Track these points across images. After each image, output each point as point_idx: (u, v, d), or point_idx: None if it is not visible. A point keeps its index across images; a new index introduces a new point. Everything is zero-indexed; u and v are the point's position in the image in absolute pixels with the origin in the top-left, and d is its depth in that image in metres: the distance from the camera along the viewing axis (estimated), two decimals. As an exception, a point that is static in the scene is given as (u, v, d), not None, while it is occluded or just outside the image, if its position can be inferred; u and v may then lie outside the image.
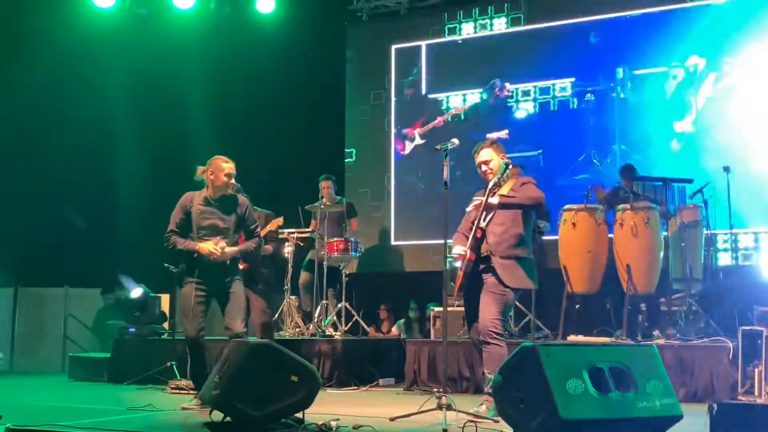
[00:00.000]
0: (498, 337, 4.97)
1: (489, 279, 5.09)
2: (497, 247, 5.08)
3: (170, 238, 5.67)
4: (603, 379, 3.87)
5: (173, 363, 7.22)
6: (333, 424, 4.34)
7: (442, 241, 5.35)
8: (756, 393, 5.83)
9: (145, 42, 10.33)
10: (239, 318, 5.59)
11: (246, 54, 10.35)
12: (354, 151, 10.62)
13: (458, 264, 5.24)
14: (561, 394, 3.73)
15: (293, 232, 8.03)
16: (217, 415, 4.51)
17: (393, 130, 10.40)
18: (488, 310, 5.03)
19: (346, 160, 10.56)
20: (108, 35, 10.26)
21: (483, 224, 5.08)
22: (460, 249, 5.17)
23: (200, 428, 4.55)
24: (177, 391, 6.55)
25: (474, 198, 5.26)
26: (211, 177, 5.70)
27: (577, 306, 7.10)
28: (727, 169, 7.22)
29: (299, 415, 4.49)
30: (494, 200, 5.05)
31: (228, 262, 5.63)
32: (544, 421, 3.77)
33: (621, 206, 6.92)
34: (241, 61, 10.33)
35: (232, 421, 4.46)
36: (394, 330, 9.44)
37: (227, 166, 5.72)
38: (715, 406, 2.82)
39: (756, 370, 5.87)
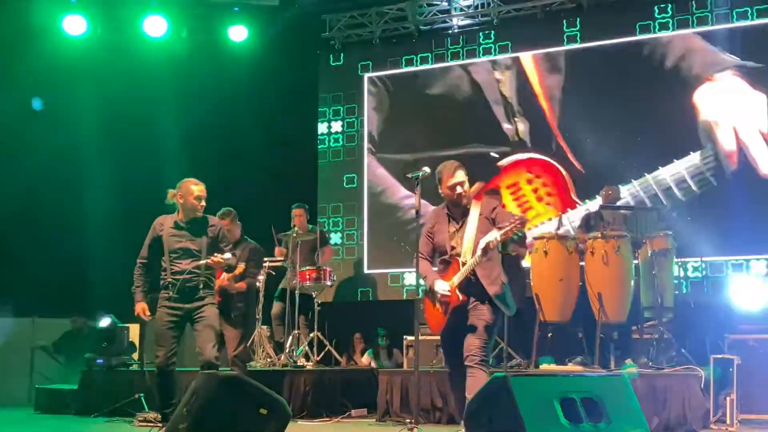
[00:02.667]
0: (485, 364, 4.90)
1: (482, 307, 4.98)
2: (487, 279, 4.97)
3: (137, 268, 5.77)
4: (575, 409, 3.86)
5: (141, 395, 7.10)
6: (303, 457, 4.27)
7: (414, 270, 5.32)
8: (728, 422, 5.85)
9: (116, 69, 10.28)
10: (210, 343, 5.51)
11: (218, 82, 10.33)
12: (327, 180, 10.62)
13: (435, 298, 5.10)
14: (532, 425, 3.70)
15: (265, 261, 7.96)
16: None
17: (366, 157, 10.41)
18: (480, 338, 4.90)
19: (319, 190, 10.55)
20: (79, 62, 10.21)
21: (473, 260, 4.91)
22: (445, 287, 5.00)
23: (168, 463, 4.45)
24: (145, 423, 6.44)
25: (432, 222, 5.13)
26: (181, 201, 5.69)
27: (549, 335, 7.09)
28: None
29: (269, 448, 4.42)
30: (494, 237, 4.83)
31: (201, 285, 5.60)
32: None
33: (592, 234, 6.94)
34: (213, 89, 10.31)
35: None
36: (365, 359, 9.38)
37: (197, 188, 5.71)
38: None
39: (728, 399, 5.91)
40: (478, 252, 4.85)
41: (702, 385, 6.00)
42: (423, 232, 5.29)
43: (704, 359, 6.17)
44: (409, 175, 5.18)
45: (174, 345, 5.56)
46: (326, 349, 8.01)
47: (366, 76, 10.59)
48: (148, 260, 5.74)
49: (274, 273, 8.28)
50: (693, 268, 8.30)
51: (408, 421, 5.67)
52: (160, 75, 10.22)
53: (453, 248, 5.09)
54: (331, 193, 10.56)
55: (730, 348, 6.20)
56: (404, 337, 7.77)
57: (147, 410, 6.84)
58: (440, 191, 5.15)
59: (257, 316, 7.95)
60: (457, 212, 5.12)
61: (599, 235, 6.85)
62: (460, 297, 4.97)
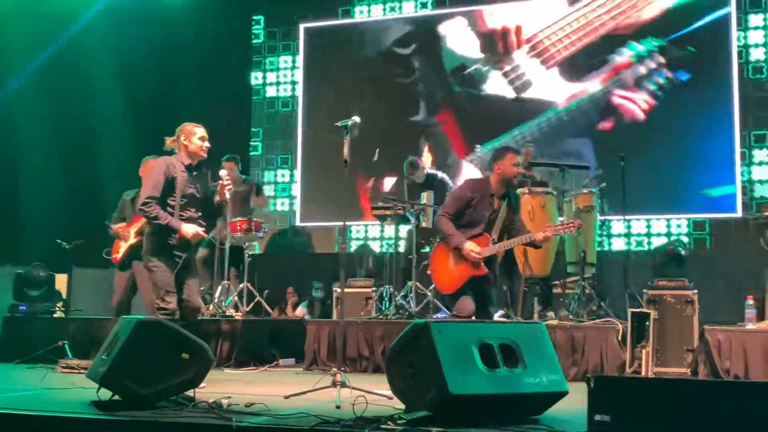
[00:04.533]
0: None
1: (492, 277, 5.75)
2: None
3: (152, 205, 5.31)
4: (492, 355, 3.94)
5: (65, 342, 7.01)
6: (224, 402, 4.27)
7: (346, 223, 5.36)
8: (643, 372, 6.06)
9: (47, 17, 9.98)
10: (198, 293, 5.57)
11: (153, 37, 10.12)
12: (261, 131, 10.51)
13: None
14: (450, 369, 3.77)
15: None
16: (106, 393, 4.39)
17: (301, 111, 10.34)
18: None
19: (251, 141, 10.45)
20: (9, 9, 9.86)
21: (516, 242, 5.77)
22: (478, 250, 5.60)
23: (87, 407, 4.42)
24: (68, 370, 6.36)
25: (475, 194, 5.71)
26: (185, 143, 5.50)
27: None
28: (622, 157, 7.47)
29: (190, 393, 4.41)
30: (549, 232, 5.69)
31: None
32: (435, 396, 3.80)
33: (518, 191, 7.05)
34: (149, 45, 10.10)
35: (120, 399, 4.35)
36: (299, 311, 9.41)
37: (199, 130, 5.56)
38: (592, 379, 2.89)
39: (643, 351, 6.11)
40: (537, 238, 5.61)
41: (619, 338, 6.20)
42: (458, 196, 5.83)
43: (624, 313, 6.35)
44: (338, 124, 5.16)
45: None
46: (256, 300, 8.01)
47: (302, 26, 10.49)
48: (159, 199, 5.35)
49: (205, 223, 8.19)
50: (616, 226, 8.54)
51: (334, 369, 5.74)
52: (92, 27, 9.97)
53: (488, 225, 5.66)
54: (267, 144, 10.48)
55: (648, 303, 6.41)
56: (334, 288, 7.82)
57: (70, 357, 6.76)
58: (497, 168, 5.71)
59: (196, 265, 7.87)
60: (501, 193, 5.72)
61: (526, 191, 6.97)
62: (485, 269, 5.61)
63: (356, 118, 5.17)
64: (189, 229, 5.36)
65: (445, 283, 5.77)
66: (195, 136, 5.52)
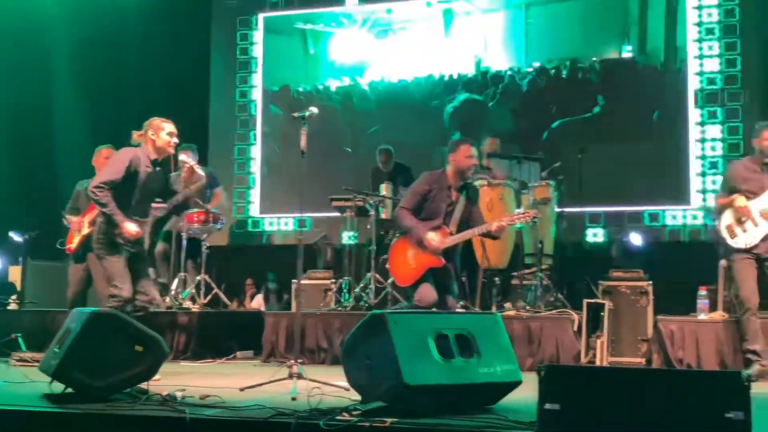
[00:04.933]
0: None
1: (452, 267, 5.74)
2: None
3: (105, 191, 5.17)
4: (448, 345, 3.96)
5: (18, 335, 6.90)
6: (178, 394, 4.24)
7: (303, 215, 5.34)
8: (598, 362, 6.15)
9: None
10: (154, 287, 5.53)
11: (108, 25, 9.98)
12: (220, 121, 10.44)
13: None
14: (406, 360, 3.78)
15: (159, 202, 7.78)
16: (58, 386, 4.33)
17: (260, 100, 10.28)
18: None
19: (210, 131, 10.37)
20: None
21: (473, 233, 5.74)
22: (438, 240, 5.60)
23: (39, 400, 4.35)
24: (21, 363, 6.26)
25: (432, 187, 5.71)
26: (153, 138, 5.39)
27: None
28: (582, 149, 7.56)
29: (144, 385, 4.37)
30: (505, 221, 5.71)
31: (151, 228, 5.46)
32: (390, 387, 3.81)
33: (478, 182, 7.07)
34: (103, 34, 9.96)
35: (73, 392, 4.30)
36: (255, 303, 9.37)
37: (168, 125, 5.45)
38: (543, 369, 2.92)
39: (598, 341, 6.20)
40: (491, 229, 5.61)
41: (575, 328, 6.27)
42: (415, 190, 5.82)
43: (580, 304, 6.43)
44: (296, 115, 5.13)
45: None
46: (213, 292, 7.95)
47: (261, 15, 10.43)
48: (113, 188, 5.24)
49: (160, 214, 8.11)
50: (573, 218, 8.63)
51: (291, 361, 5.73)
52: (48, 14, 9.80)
53: (446, 217, 5.67)
54: (224, 135, 10.40)
55: (604, 293, 6.50)
56: (292, 281, 7.79)
57: (24, 350, 6.66)
58: (452, 159, 5.72)
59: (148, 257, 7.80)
60: (458, 185, 5.73)
61: (485, 183, 7.01)
62: (443, 261, 5.60)
63: (314, 109, 5.15)
64: (130, 228, 5.24)
65: (403, 275, 5.77)
66: (163, 132, 5.42)
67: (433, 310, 5.45)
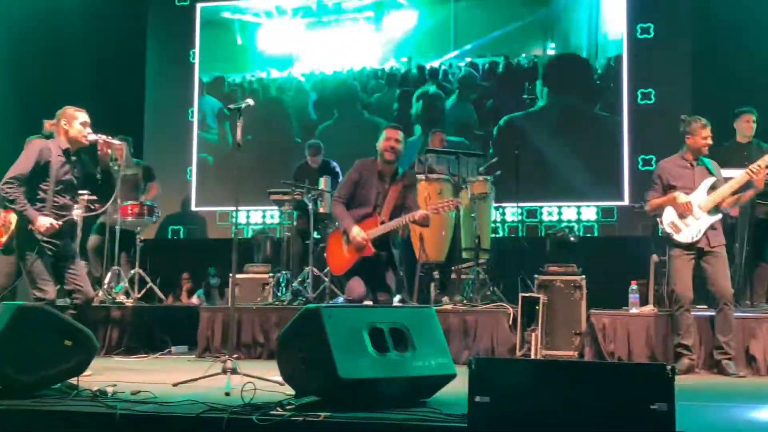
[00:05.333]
0: None
1: (388, 265, 5.84)
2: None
3: (14, 186, 5.06)
4: (383, 339, 3.97)
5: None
6: (109, 390, 4.16)
7: (240, 208, 5.28)
8: (532, 355, 6.23)
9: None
10: (88, 281, 5.42)
11: (40, 11, 9.71)
12: (155, 113, 10.26)
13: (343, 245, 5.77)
14: (340, 354, 3.77)
15: (83, 194, 7.60)
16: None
17: (195, 91, 10.14)
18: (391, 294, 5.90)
19: (146, 122, 10.19)
20: None
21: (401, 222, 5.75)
22: (363, 235, 5.64)
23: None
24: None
25: (361, 175, 5.78)
26: (66, 128, 5.25)
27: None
28: (517, 146, 7.66)
29: (74, 381, 4.28)
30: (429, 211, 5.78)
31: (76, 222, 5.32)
32: (324, 381, 3.80)
33: (418, 177, 7.09)
34: (35, 21, 9.70)
35: (0, 387, 4.18)
36: (195, 299, 9.24)
37: (81, 114, 5.30)
38: (473, 362, 2.95)
39: (533, 334, 6.28)
40: (415, 216, 5.65)
41: (511, 322, 6.35)
42: (346, 179, 5.91)
43: (516, 298, 6.49)
44: (231, 107, 5.08)
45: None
46: (148, 286, 7.82)
47: (198, 5, 10.29)
48: (23, 181, 5.11)
49: (94, 207, 7.93)
50: (510, 213, 8.74)
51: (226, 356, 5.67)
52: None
53: (377, 206, 5.73)
54: (160, 127, 10.23)
55: (539, 288, 6.58)
56: (229, 275, 7.70)
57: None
58: (378, 146, 5.82)
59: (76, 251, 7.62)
60: (388, 172, 5.80)
61: (423, 178, 7.04)
62: (372, 249, 5.65)
63: (250, 101, 5.10)
64: (43, 222, 5.10)
65: (337, 264, 5.91)
66: (76, 121, 5.29)
67: (368, 303, 5.46)
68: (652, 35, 8.92)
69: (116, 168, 7.73)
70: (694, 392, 4.84)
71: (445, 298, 6.94)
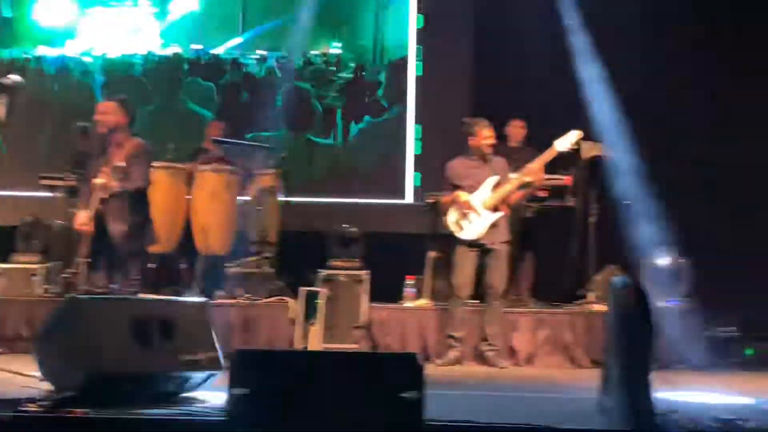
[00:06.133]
0: None
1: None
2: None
3: None
4: (148, 332, 3.85)
5: None
6: None
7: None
8: (311, 347, 6.28)
9: None
10: None
11: None
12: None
13: None
14: (102, 347, 3.63)
15: None
16: None
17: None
18: None
19: None
20: None
21: None
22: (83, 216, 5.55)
23: None
24: None
25: None
26: None
27: (152, 265, 7.00)
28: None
29: None
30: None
31: None
32: (85, 375, 3.63)
33: (202, 167, 6.98)
34: None
35: None
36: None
37: None
38: (233, 353, 2.94)
39: (312, 328, 6.34)
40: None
41: (292, 316, 6.37)
42: None
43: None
44: (-4, 81, 4.71)
45: None
46: None
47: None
48: None
49: None
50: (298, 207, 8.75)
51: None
52: None
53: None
54: None
55: (323, 282, 6.65)
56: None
57: None
58: None
59: None
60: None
61: (209, 169, 6.92)
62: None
63: (16, 77, 4.75)
64: None
65: None
66: None
67: (137, 296, 5.30)
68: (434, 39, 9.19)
69: None
70: (455, 382, 5.13)
71: (224, 292, 6.84)
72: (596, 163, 6.92)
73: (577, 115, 7.83)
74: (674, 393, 4.03)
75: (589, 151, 6.73)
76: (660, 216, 7.34)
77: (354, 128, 9.16)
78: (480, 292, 6.25)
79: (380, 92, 9.21)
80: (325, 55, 9.30)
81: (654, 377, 3.29)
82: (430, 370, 5.62)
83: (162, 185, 6.82)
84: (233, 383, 2.92)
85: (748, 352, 6.79)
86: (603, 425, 3.36)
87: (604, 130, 7.24)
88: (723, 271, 7.21)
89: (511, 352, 6.25)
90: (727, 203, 7.72)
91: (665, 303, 6.53)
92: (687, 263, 6.76)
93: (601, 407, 3.58)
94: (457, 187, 6.15)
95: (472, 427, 3.07)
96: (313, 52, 9.29)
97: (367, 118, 9.15)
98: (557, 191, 6.99)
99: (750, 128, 7.85)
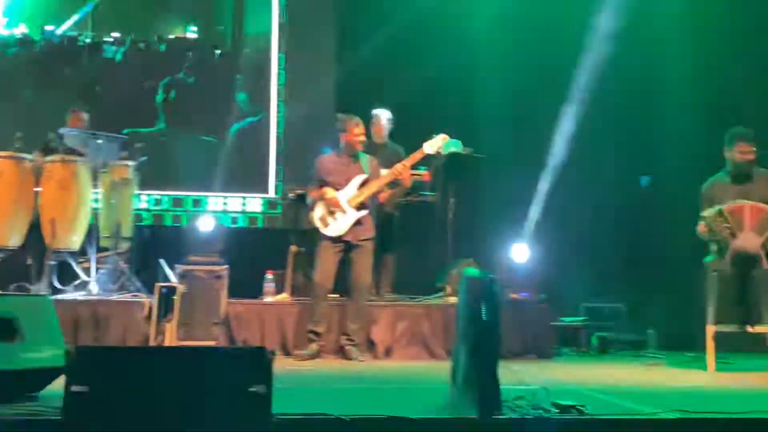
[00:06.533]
0: None
1: None
2: None
3: None
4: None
5: None
6: None
7: None
8: (167, 344, 6.13)
9: None
10: None
11: None
12: None
13: None
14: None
15: None
16: None
17: None
18: None
19: None
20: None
21: None
22: None
23: None
24: None
25: None
26: None
27: (-2, 260, 6.65)
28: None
29: None
30: None
31: None
32: None
33: (51, 158, 6.67)
34: None
35: None
36: None
37: None
38: (71, 350, 2.82)
39: (168, 324, 6.19)
40: None
41: (146, 312, 6.19)
42: None
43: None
44: None
45: None
46: None
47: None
48: None
49: None
50: (155, 200, 8.53)
51: None
52: None
53: None
54: None
55: (181, 277, 6.49)
56: None
57: None
58: None
59: None
60: None
61: (58, 159, 6.62)
62: None
63: None
64: None
65: None
66: None
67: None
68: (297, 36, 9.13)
69: None
70: (311, 375, 5.14)
71: (69, 287, 6.56)
72: (455, 158, 7.07)
73: (435, 111, 8.05)
74: (520, 381, 4.16)
75: (447, 147, 6.86)
76: (514, 211, 7.63)
77: (218, 122, 8.98)
78: (342, 287, 6.30)
79: (240, 81, 9.08)
80: (180, 38, 9.06)
81: (501, 366, 3.39)
82: (288, 364, 5.67)
83: (7, 176, 6.49)
84: (71, 381, 2.80)
85: (594, 341, 7.17)
86: (452, 414, 3.43)
87: (461, 126, 7.40)
88: (570, 265, 7.59)
89: (371, 345, 6.31)
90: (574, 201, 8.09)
91: (517, 295, 6.78)
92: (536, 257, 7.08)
93: (450, 396, 3.66)
94: (324, 183, 6.17)
95: (321, 420, 3.07)
96: (169, 36, 9.04)
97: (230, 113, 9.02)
98: (416, 186, 7.09)
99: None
